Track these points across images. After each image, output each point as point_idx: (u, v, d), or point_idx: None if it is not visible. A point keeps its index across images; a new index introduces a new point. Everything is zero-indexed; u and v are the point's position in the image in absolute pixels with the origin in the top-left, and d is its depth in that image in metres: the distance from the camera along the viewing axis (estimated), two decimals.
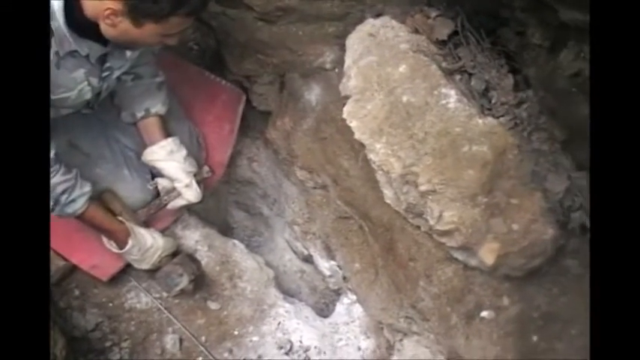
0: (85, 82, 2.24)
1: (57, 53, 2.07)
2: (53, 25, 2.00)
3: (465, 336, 2.15)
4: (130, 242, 2.49)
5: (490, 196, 1.97)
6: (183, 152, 2.61)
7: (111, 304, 2.71)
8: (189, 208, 2.82)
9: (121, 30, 2.01)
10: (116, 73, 2.36)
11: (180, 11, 1.94)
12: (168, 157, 2.57)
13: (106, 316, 2.68)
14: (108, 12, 1.94)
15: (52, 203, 2.28)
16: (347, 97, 2.20)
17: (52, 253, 2.65)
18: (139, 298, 2.72)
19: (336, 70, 2.50)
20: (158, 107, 2.59)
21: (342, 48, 2.39)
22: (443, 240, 2.05)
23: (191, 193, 2.60)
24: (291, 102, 2.70)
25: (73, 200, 2.32)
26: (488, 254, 1.98)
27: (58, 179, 2.25)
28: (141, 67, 2.52)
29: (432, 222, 2.01)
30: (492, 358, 2.09)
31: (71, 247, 2.65)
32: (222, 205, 3.28)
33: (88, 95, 2.31)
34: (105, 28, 2.03)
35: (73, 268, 2.70)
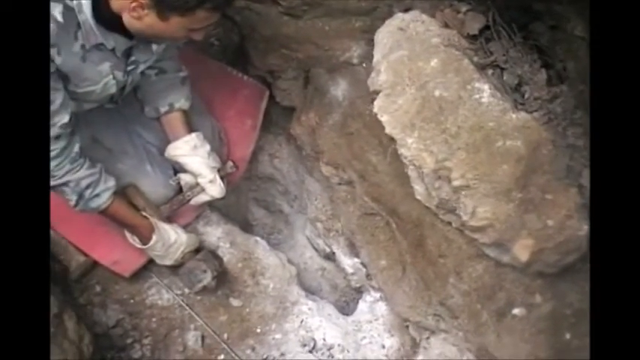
0: (110, 76, 2.23)
1: (83, 46, 2.06)
2: (80, 18, 1.99)
3: (496, 333, 2.14)
4: (154, 238, 2.47)
5: (524, 191, 1.95)
6: (207, 147, 2.59)
7: (132, 301, 2.69)
8: (210, 205, 2.80)
9: (147, 23, 1.99)
10: (141, 67, 2.34)
11: (207, 5, 1.91)
12: (192, 153, 2.55)
13: (127, 312, 2.66)
14: (134, 4, 1.93)
15: (76, 198, 2.26)
16: (376, 92, 2.18)
17: (72, 249, 2.64)
18: (161, 295, 2.70)
19: (364, 64, 2.49)
20: (182, 102, 2.57)
21: (370, 43, 2.38)
22: (476, 236, 2.03)
23: (215, 189, 2.57)
24: (317, 97, 2.67)
25: (97, 195, 2.30)
26: (522, 250, 1.96)
27: (82, 173, 2.23)
28: (165, 62, 2.50)
29: (465, 218, 1.99)
30: (524, 356, 2.08)
31: (92, 242, 2.64)
32: (243, 201, 3.26)
33: (113, 89, 2.29)
34: (130, 21, 2.01)
35: (94, 264, 2.69)
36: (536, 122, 2.00)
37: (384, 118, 2.11)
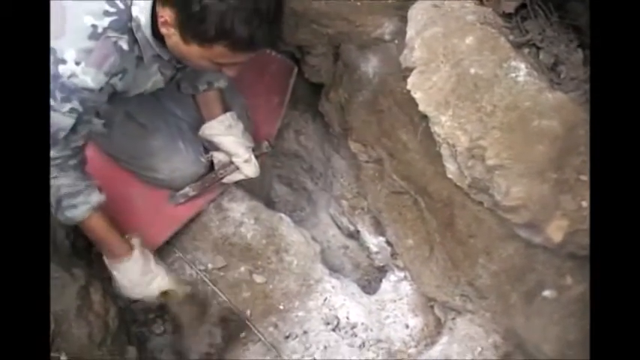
0: (158, 74, 2.23)
1: (139, 57, 2.06)
2: (137, 35, 1.98)
3: (525, 315, 2.13)
4: (124, 262, 2.35)
5: (559, 172, 1.92)
6: (241, 126, 2.60)
7: None
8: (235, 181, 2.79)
9: (173, 42, 1.96)
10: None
11: (223, 41, 1.85)
12: (226, 132, 2.56)
13: None
14: (162, 20, 1.91)
15: (54, 203, 2.16)
16: (409, 69, 2.15)
17: None
18: (184, 270, 2.70)
19: (396, 41, 2.46)
20: (220, 81, 2.57)
21: (402, 19, 2.35)
22: (508, 216, 2.00)
23: (250, 168, 2.58)
24: (347, 74, 2.66)
25: (74, 206, 2.19)
26: (556, 231, 1.93)
27: (64, 181, 2.13)
28: None
29: (498, 198, 1.97)
30: (553, 338, 2.06)
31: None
32: (267, 179, 3.25)
33: (161, 84, 2.30)
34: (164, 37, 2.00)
35: None
36: (572, 102, 1.97)
37: (417, 95, 2.08)
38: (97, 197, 2.24)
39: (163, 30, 1.94)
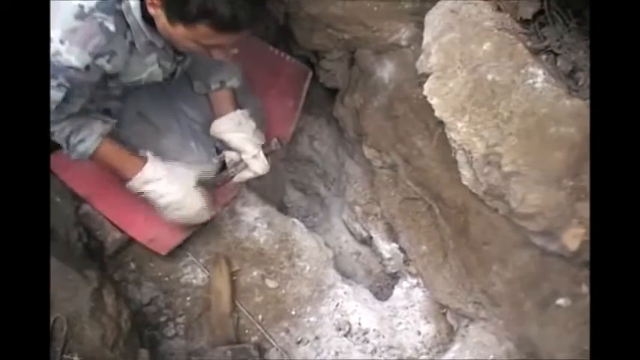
0: (156, 65, 2.24)
1: (132, 43, 2.09)
2: (129, 19, 2.02)
3: (539, 323, 2.11)
4: (146, 168, 2.37)
5: (576, 179, 1.90)
6: (252, 124, 2.59)
7: (167, 279, 2.68)
8: (248, 185, 2.80)
9: (162, 24, 1.98)
10: (189, 58, 2.34)
11: (205, 21, 1.86)
12: (235, 129, 2.55)
13: (161, 290, 2.65)
14: (149, 1, 1.93)
15: (65, 144, 2.25)
16: (425, 75, 2.15)
17: (109, 225, 2.63)
18: (196, 274, 2.69)
19: (412, 47, 2.46)
20: (233, 81, 2.58)
21: (419, 25, 2.35)
22: (524, 224, 1.99)
23: (258, 165, 2.56)
24: (362, 79, 2.66)
25: (82, 140, 2.25)
26: (572, 239, 1.92)
27: (65, 122, 2.20)
28: None
29: (514, 205, 1.95)
30: (567, 347, 2.05)
31: (130, 219, 2.63)
32: (280, 183, 3.25)
33: (159, 77, 2.31)
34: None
35: (130, 241, 2.68)
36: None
37: (433, 101, 2.07)
38: (101, 126, 2.29)
39: (151, 11, 1.95)
